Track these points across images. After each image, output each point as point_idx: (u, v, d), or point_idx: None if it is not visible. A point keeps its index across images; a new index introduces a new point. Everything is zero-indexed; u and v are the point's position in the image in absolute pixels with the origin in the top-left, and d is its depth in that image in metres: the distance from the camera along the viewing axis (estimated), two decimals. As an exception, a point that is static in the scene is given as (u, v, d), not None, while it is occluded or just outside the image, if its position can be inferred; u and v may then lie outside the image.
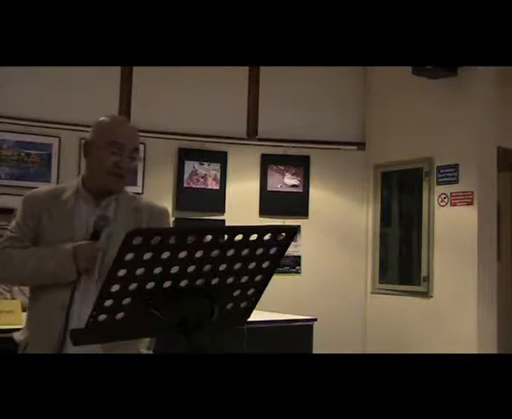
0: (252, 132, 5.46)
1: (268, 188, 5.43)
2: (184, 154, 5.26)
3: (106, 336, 1.54)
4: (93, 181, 2.25)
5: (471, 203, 4.79)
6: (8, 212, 4.64)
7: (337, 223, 5.50)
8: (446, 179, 4.98)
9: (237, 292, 1.53)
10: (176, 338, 1.41)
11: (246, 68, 5.42)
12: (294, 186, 5.49)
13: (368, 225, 5.55)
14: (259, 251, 1.46)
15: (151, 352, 2.38)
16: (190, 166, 5.26)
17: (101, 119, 2.30)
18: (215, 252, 1.41)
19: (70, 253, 2.11)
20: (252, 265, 1.48)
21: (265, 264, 1.50)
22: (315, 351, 4.20)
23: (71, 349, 2.00)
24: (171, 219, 5.11)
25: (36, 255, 2.17)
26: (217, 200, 5.29)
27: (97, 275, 2.16)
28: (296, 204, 5.45)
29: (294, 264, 5.39)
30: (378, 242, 5.47)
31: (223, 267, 1.45)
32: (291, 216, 5.33)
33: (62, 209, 2.22)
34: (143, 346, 2.24)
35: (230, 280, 1.48)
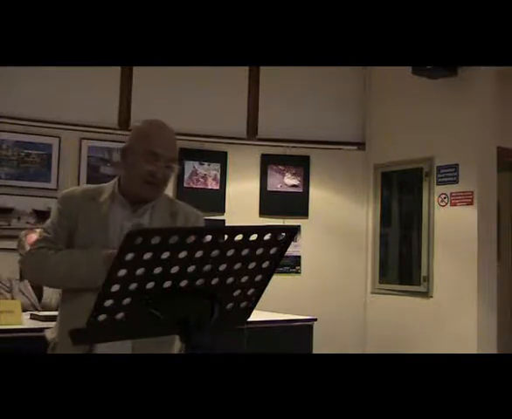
0: (252, 132, 5.46)
1: (268, 188, 5.43)
2: (184, 154, 5.25)
3: (106, 336, 1.54)
4: (129, 187, 2.22)
5: (471, 203, 4.79)
6: (8, 212, 4.65)
7: (337, 223, 5.50)
8: (446, 179, 4.98)
9: (237, 292, 1.52)
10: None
11: (246, 68, 5.42)
12: (294, 186, 5.49)
13: (368, 225, 5.56)
14: (259, 251, 1.46)
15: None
16: (190, 166, 5.26)
17: (140, 124, 2.27)
18: (215, 252, 1.41)
19: (102, 260, 2.07)
20: (252, 265, 1.48)
21: (265, 264, 1.50)
22: (315, 351, 4.20)
23: (100, 352, 2.01)
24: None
25: (69, 259, 2.15)
26: (217, 200, 5.30)
27: None
28: (296, 204, 5.45)
29: (294, 264, 5.39)
30: (378, 242, 5.47)
31: (223, 267, 1.45)
32: (291, 216, 5.33)
33: (98, 212, 2.19)
34: (175, 349, 2.22)
35: (230, 280, 1.48)
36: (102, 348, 1.99)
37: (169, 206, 2.29)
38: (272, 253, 1.48)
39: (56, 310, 2.64)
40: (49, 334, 2.29)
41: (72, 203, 2.22)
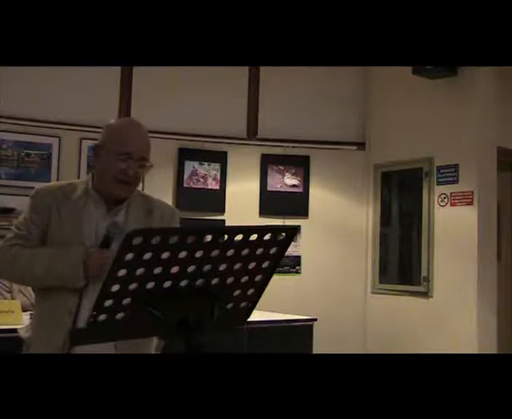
0: (252, 132, 5.46)
1: (268, 188, 5.43)
2: (184, 154, 5.26)
3: (106, 336, 1.54)
4: (102, 185, 2.22)
5: (471, 203, 4.79)
6: (8, 212, 4.65)
7: (337, 223, 5.50)
8: (445, 179, 4.98)
9: (237, 292, 1.52)
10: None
11: (246, 68, 5.42)
12: (294, 186, 5.49)
13: (368, 225, 5.55)
14: (259, 251, 1.46)
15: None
16: (190, 166, 5.26)
17: (111, 122, 2.27)
18: (215, 252, 1.41)
19: (80, 260, 2.09)
20: (252, 265, 1.48)
21: (265, 264, 1.50)
22: (315, 351, 4.20)
23: (78, 352, 2.01)
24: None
25: (45, 257, 2.15)
26: (217, 200, 5.29)
27: None
28: (296, 204, 5.45)
29: (294, 264, 5.39)
30: (378, 242, 5.47)
31: (223, 267, 1.45)
32: (291, 216, 5.33)
33: (72, 209, 2.19)
34: (153, 348, 2.22)
35: (230, 280, 1.48)
36: (79, 348, 2.01)
37: (145, 203, 2.29)
38: (272, 253, 1.48)
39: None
40: (23, 333, 2.27)
41: (45, 200, 2.21)
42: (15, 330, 3.16)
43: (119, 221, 2.20)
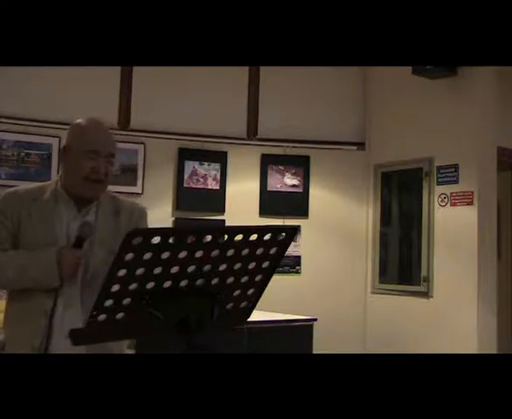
0: (252, 132, 5.46)
1: (268, 189, 5.43)
2: (184, 154, 5.26)
3: (106, 336, 1.54)
4: (71, 186, 2.22)
5: (471, 203, 4.79)
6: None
7: (337, 223, 5.50)
8: (446, 179, 4.98)
9: (237, 292, 1.53)
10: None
11: (246, 68, 5.42)
12: (294, 186, 5.49)
13: (368, 225, 5.55)
14: (259, 251, 1.46)
15: (133, 351, 2.38)
16: (190, 166, 5.26)
17: (76, 122, 2.27)
18: (215, 252, 1.41)
19: (53, 261, 2.10)
20: (252, 265, 1.48)
21: (265, 264, 1.50)
22: (315, 351, 4.20)
23: (52, 351, 2.03)
24: (171, 219, 5.13)
25: (17, 260, 2.15)
26: (217, 200, 5.29)
27: (80, 282, 2.16)
28: (296, 204, 5.45)
29: (294, 264, 5.39)
30: (378, 242, 5.47)
31: (223, 267, 1.45)
32: (291, 216, 5.33)
33: (42, 212, 2.19)
34: (126, 346, 2.24)
35: (230, 280, 1.48)
36: (55, 348, 2.02)
37: (113, 203, 2.30)
38: (272, 253, 1.48)
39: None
40: None
41: (14, 204, 2.21)
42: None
43: (90, 220, 2.20)
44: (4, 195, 2.26)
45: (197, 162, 5.28)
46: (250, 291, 1.54)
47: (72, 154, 2.20)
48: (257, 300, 1.58)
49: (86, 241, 2.14)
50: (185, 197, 5.21)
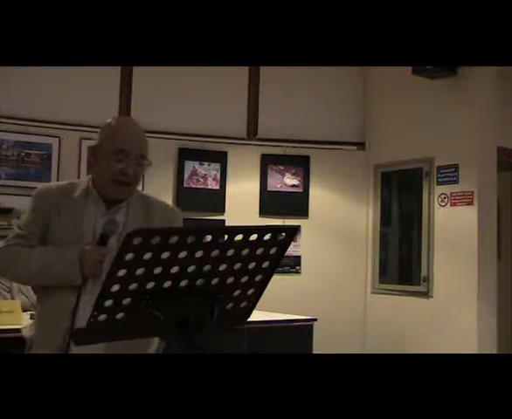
0: (252, 132, 5.46)
1: (268, 189, 5.43)
2: (184, 154, 5.26)
3: (106, 336, 1.54)
4: (100, 186, 2.21)
5: (471, 203, 4.79)
6: (8, 212, 4.65)
7: (337, 223, 5.50)
8: (446, 179, 4.98)
9: (237, 292, 1.52)
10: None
11: (246, 68, 5.42)
12: (294, 186, 5.49)
13: (368, 225, 5.56)
14: (259, 251, 1.46)
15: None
16: (190, 166, 5.26)
17: (108, 122, 2.25)
18: (215, 252, 1.41)
19: (76, 258, 2.10)
20: (252, 265, 1.48)
21: (265, 264, 1.50)
22: (315, 351, 4.20)
23: (76, 350, 2.01)
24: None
25: (42, 256, 2.16)
26: (217, 200, 5.29)
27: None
28: (296, 204, 5.45)
29: (294, 264, 5.39)
30: (378, 242, 5.47)
31: (223, 267, 1.45)
32: (291, 216, 5.33)
33: (71, 208, 2.19)
34: (152, 350, 2.22)
35: (230, 280, 1.48)
36: (78, 349, 2.01)
37: (145, 204, 2.28)
38: (272, 253, 1.48)
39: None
40: (26, 332, 2.29)
41: (46, 200, 2.21)
42: (15, 330, 3.16)
43: (118, 220, 2.19)
44: (37, 191, 2.26)
45: (197, 162, 5.28)
46: (250, 292, 1.54)
47: (102, 153, 2.18)
48: (257, 300, 1.58)
49: (110, 238, 2.13)
50: (185, 197, 5.21)
